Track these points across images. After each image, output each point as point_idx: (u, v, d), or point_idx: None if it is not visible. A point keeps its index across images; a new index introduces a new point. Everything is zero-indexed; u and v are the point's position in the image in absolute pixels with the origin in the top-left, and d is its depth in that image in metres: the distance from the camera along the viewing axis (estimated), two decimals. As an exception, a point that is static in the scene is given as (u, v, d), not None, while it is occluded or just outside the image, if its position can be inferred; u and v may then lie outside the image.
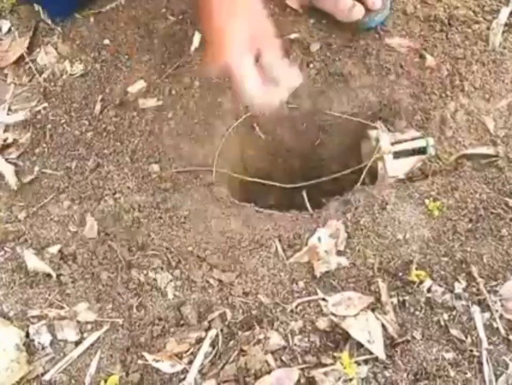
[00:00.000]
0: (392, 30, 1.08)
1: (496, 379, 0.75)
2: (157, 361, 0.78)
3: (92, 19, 1.15)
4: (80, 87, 1.08)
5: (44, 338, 0.82)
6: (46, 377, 0.79)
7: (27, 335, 0.82)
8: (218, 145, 1.03)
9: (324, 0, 1.07)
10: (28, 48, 1.12)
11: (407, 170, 0.98)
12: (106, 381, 0.79)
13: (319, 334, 0.79)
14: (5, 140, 1.03)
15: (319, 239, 0.87)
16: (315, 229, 0.90)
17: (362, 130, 1.05)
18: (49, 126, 1.04)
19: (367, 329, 0.78)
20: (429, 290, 0.81)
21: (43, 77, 1.10)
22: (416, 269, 0.83)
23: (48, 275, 0.87)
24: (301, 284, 0.85)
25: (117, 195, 0.95)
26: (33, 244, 0.91)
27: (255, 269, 0.87)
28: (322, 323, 0.80)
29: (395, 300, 0.81)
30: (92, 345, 0.82)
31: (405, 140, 0.99)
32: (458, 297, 0.81)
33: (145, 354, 0.79)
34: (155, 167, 0.99)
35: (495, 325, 0.79)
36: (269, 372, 0.76)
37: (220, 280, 0.86)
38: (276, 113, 1.05)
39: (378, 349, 0.76)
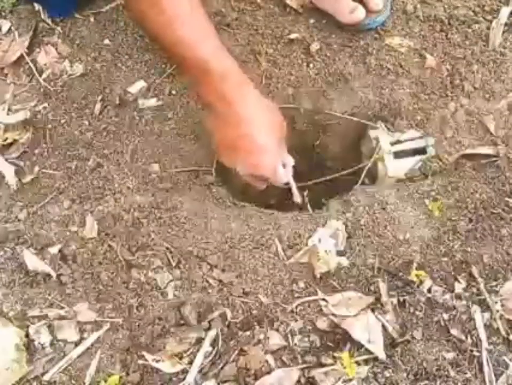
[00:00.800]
0: (392, 30, 1.08)
1: (496, 379, 0.76)
2: (157, 361, 0.78)
3: (92, 19, 1.14)
4: (80, 87, 1.07)
5: (44, 338, 0.82)
6: (46, 377, 0.79)
7: (27, 335, 0.82)
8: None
9: (324, 1, 1.07)
10: (28, 48, 1.12)
11: (407, 170, 0.98)
12: (106, 381, 0.79)
13: (319, 334, 0.79)
14: (5, 140, 1.03)
15: (319, 239, 0.87)
16: (315, 229, 0.90)
17: (362, 130, 1.05)
18: (49, 126, 1.03)
19: (368, 329, 0.78)
20: (429, 290, 0.82)
21: (43, 77, 1.09)
22: (416, 269, 0.83)
23: (48, 275, 0.87)
24: (301, 284, 0.84)
25: (117, 195, 0.95)
26: (34, 244, 0.91)
27: (255, 269, 0.86)
28: (322, 323, 0.80)
29: (395, 300, 0.81)
30: (92, 345, 0.82)
31: (406, 140, 0.99)
32: (458, 297, 0.81)
33: (145, 354, 0.79)
34: (155, 167, 0.99)
35: (495, 325, 0.79)
36: (269, 372, 0.76)
37: (220, 280, 0.86)
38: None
39: (378, 349, 0.76)
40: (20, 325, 0.83)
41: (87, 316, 0.84)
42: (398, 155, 0.99)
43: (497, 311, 0.80)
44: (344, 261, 0.85)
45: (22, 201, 0.96)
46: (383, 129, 1.01)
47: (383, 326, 0.79)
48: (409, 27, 1.08)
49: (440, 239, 0.87)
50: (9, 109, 1.07)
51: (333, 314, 0.80)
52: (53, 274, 0.87)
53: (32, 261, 0.88)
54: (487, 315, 0.80)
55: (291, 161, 0.94)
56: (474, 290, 0.82)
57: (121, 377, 0.79)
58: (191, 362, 0.78)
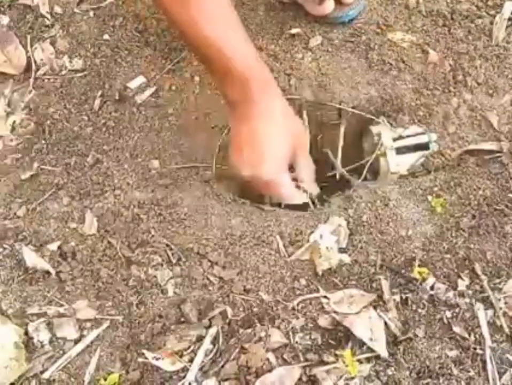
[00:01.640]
0: (394, 24, 1.07)
1: (500, 377, 0.75)
2: (157, 359, 0.78)
3: (91, 14, 1.14)
4: (79, 83, 1.07)
5: (43, 335, 0.82)
6: (45, 375, 0.79)
7: (26, 333, 0.82)
8: (219, 141, 1.02)
9: None
10: (26, 43, 1.11)
11: (409, 166, 0.97)
12: (105, 379, 0.78)
13: (321, 332, 0.79)
14: (3, 136, 1.03)
15: (320, 236, 0.86)
16: (316, 225, 0.89)
17: (364, 126, 1.04)
18: (48, 122, 1.03)
19: (370, 327, 0.77)
20: (432, 287, 0.81)
21: (42, 72, 1.09)
22: (419, 266, 0.83)
23: (48, 272, 0.87)
24: (303, 281, 0.84)
25: (116, 191, 0.95)
26: (33, 241, 0.90)
27: (256, 266, 0.86)
28: (324, 321, 0.79)
29: (397, 297, 0.80)
30: (91, 342, 0.81)
31: (408, 136, 0.99)
32: (461, 294, 0.80)
33: (145, 352, 0.79)
34: (155, 163, 0.98)
35: (498, 323, 0.78)
36: (270, 370, 0.75)
37: (221, 278, 0.85)
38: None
39: (380, 347, 0.76)
40: (19, 323, 0.82)
41: (87, 314, 0.83)
42: (400, 151, 0.98)
43: (501, 308, 0.79)
44: (346, 258, 0.84)
45: (21, 197, 0.96)
46: (385, 125, 1.00)
47: (385, 324, 0.78)
48: (411, 22, 1.07)
49: (442, 235, 0.86)
50: (8, 105, 1.07)
51: (334, 312, 0.80)
52: (52, 271, 0.86)
53: (31, 258, 0.87)
54: (490, 312, 0.79)
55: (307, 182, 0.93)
56: (478, 287, 0.81)
57: (120, 375, 0.78)
58: (191, 360, 0.78)
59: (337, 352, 0.76)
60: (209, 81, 1.04)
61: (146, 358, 0.78)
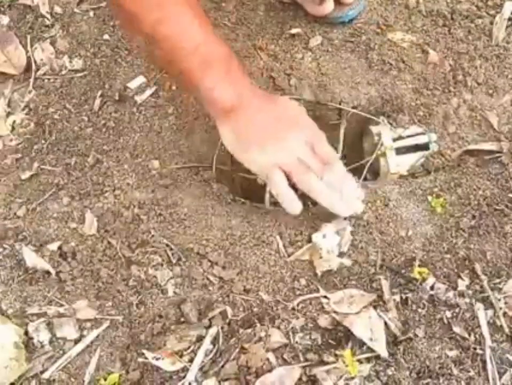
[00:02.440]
0: (394, 24, 1.07)
1: (500, 377, 0.75)
2: (157, 359, 0.78)
3: (91, 14, 1.14)
4: (79, 83, 1.07)
5: (43, 335, 0.82)
6: (45, 375, 0.79)
7: (26, 333, 0.82)
8: (219, 140, 1.02)
9: None
10: (26, 43, 1.11)
11: (409, 166, 0.97)
12: (105, 379, 0.78)
13: (321, 332, 0.79)
14: (3, 136, 1.03)
15: (324, 235, 0.86)
16: (316, 226, 0.89)
17: (364, 126, 1.04)
18: (48, 122, 1.03)
19: (370, 327, 0.77)
20: (432, 288, 0.81)
21: (42, 72, 1.09)
22: (419, 266, 0.83)
23: (48, 272, 0.87)
24: (303, 281, 0.84)
25: (117, 191, 0.95)
26: (33, 241, 0.90)
27: (256, 266, 0.86)
28: (324, 321, 0.79)
29: (397, 297, 0.80)
30: (91, 342, 0.81)
31: (408, 136, 0.99)
32: (462, 294, 0.80)
33: (145, 352, 0.79)
34: (155, 163, 0.98)
35: (498, 323, 0.78)
36: (270, 370, 0.75)
37: (221, 278, 0.85)
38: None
39: (380, 347, 0.76)
40: (19, 323, 0.82)
41: (87, 314, 0.83)
42: (400, 151, 0.98)
43: (501, 308, 0.79)
44: (347, 262, 0.84)
45: (21, 197, 0.96)
46: (385, 125, 1.00)
47: (385, 324, 0.78)
48: (411, 22, 1.07)
49: (442, 236, 0.86)
50: (8, 105, 1.07)
51: (335, 312, 0.80)
52: (52, 271, 0.86)
53: (31, 258, 0.87)
54: (490, 312, 0.79)
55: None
56: (478, 287, 0.81)
57: (120, 375, 0.78)
58: (191, 360, 0.78)
59: (337, 352, 0.76)
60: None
61: (146, 358, 0.78)
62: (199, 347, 0.78)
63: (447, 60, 1.02)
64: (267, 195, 0.95)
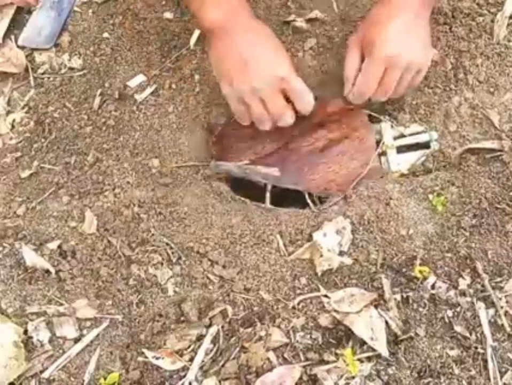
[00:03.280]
0: (395, 23, 1.06)
1: (501, 377, 0.75)
2: (157, 358, 0.78)
3: (90, 12, 1.14)
4: (79, 81, 1.07)
5: (43, 335, 0.81)
6: (45, 374, 0.79)
7: (26, 332, 0.82)
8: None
9: None
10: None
11: (410, 165, 0.97)
12: (105, 378, 0.78)
13: (321, 331, 0.79)
14: (3, 134, 1.03)
15: (324, 234, 0.86)
16: (316, 224, 0.89)
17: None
18: (48, 121, 1.03)
19: (370, 326, 0.77)
20: (433, 286, 0.81)
21: (42, 71, 1.09)
22: (420, 265, 0.83)
23: (47, 271, 0.86)
24: (303, 280, 0.84)
25: (116, 190, 0.94)
26: (32, 240, 0.90)
27: (257, 265, 0.86)
28: (324, 320, 0.79)
29: (398, 296, 0.80)
30: (91, 342, 0.81)
31: (409, 135, 0.98)
32: (463, 293, 0.80)
33: (145, 351, 0.79)
34: (155, 162, 0.98)
35: (499, 322, 0.78)
36: (270, 369, 0.75)
37: (221, 277, 0.85)
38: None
39: (381, 347, 0.76)
40: (19, 322, 0.82)
41: (87, 313, 0.83)
42: (401, 149, 0.98)
43: (502, 307, 0.79)
44: (347, 260, 0.84)
45: (21, 196, 0.96)
46: (386, 123, 1.00)
47: (386, 323, 0.78)
48: (412, 20, 1.07)
49: (443, 234, 0.86)
50: (7, 104, 1.07)
51: (335, 311, 0.79)
52: (52, 270, 0.86)
53: (31, 257, 0.87)
54: (491, 311, 0.79)
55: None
56: (479, 286, 0.81)
57: (120, 375, 0.78)
58: (191, 359, 0.78)
59: (338, 351, 0.76)
60: (208, 79, 1.04)
61: (146, 357, 0.78)
62: (199, 346, 0.78)
63: (448, 58, 1.02)
64: (267, 194, 0.95)
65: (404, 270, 0.83)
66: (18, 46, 1.11)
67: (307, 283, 0.84)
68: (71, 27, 1.13)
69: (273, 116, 0.89)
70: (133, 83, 1.06)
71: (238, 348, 0.77)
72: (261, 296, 0.83)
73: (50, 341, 0.81)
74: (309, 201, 0.95)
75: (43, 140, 1.01)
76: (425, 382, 0.74)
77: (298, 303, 0.81)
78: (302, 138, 0.96)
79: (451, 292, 0.80)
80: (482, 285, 0.81)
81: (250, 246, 0.88)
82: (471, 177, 0.91)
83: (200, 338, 0.79)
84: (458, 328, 0.78)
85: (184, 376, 0.76)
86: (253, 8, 1.09)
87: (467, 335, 0.77)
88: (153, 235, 0.89)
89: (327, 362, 0.75)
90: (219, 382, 0.75)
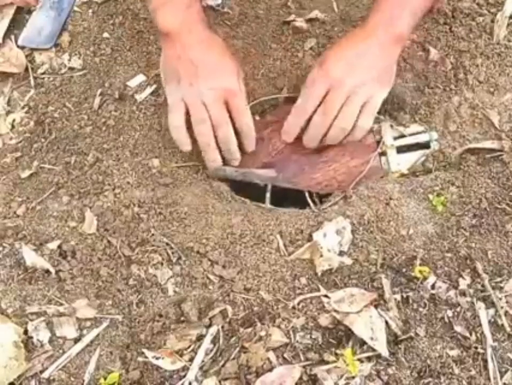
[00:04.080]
0: (395, 23, 1.06)
1: (501, 377, 0.75)
2: (157, 358, 0.77)
3: (90, 12, 1.14)
4: (79, 81, 1.07)
5: (43, 335, 0.81)
6: (45, 374, 0.79)
7: (25, 332, 0.82)
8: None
9: None
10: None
11: (410, 165, 0.97)
12: (105, 378, 0.78)
13: (321, 331, 0.79)
14: (3, 134, 1.03)
15: (324, 234, 0.86)
16: (316, 224, 0.89)
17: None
18: (48, 121, 1.02)
19: (370, 326, 0.77)
20: (433, 286, 0.81)
21: (42, 71, 1.09)
22: (420, 265, 0.83)
23: (47, 271, 0.86)
24: (303, 280, 0.84)
25: (116, 190, 0.94)
26: (32, 240, 0.90)
27: (257, 265, 0.86)
28: (324, 320, 0.79)
29: (398, 296, 0.80)
30: (91, 342, 0.81)
31: (409, 135, 0.98)
32: (463, 293, 0.80)
33: (145, 351, 0.79)
34: (155, 162, 0.98)
35: (500, 322, 0.78)
36: (270, 369, 0.75)
37: (221, 277, 0.85)
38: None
39: (381, 347, 0.75)
40: (19, 322, 0.82)
41: (87, 313, 0.83)
42: (401, 149, 0.98)
43: (502, 307, 0.79)
44: (347, 260, 0.84)
45: (21, 196, 0.95)
46: (386, 123, 1.00)
47: (386, 323, 0.78)
48: (412, 20, 1.07)
49: (443, 234, 0.86)
50: (7, 104, 1.07)
51: (335, 311, 0.79)
52: (52, 270, 0.86)
53: (31, 257, 0.87)
54: (491, 311, 0.79)
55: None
56: (479, 286, 0.81)
57: (120, 375, 0.78)
58: (191, 359, 0.78)
59: (338, 351, 0.76)
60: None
61: (146, 357, 0.78)
62: (199, 346, 0.78)
63: (448, 58, 1.02)
64: (267, 194, 0.95)
65: (404, 270, 0.83)
66: (18, 46, 1.11)
67: (307, 283, 0.83)
68: (71, 27, 1.12)
69: (213, 122, 0.89)
70: (133, 83, 1.06)
71: (238, 348, 0.77)
72: (261, 296, 0.83)
73: (50, 341, 0.81)
74: (309, 201, 0.95)
75: (43, 140, 1.01)
76: (425, 382, 0.74)
77: (298, 303, 0.81)
78: (301, 139, 0.96)
79: (451, 292, 0.80)
80: (482, 285, 0.81)
81: (250, 246, 0.88)
82: (471, 177, 0.91)
83: (200, 338, 0.79)
84: (458, 328, 0.78)
85: (184, 376, 0.76)
86: (253, 8, 1.10)
87: (467, 335, 0.77)
88: (153, 235, 0.89)
89: (327, 362, 0.75)
90: (219, 382, 0.75)
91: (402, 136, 0.99)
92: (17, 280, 0.86)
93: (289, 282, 0.84)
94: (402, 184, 0.93)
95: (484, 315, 0.78)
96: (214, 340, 0.79)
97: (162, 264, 0.86)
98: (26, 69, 1.09)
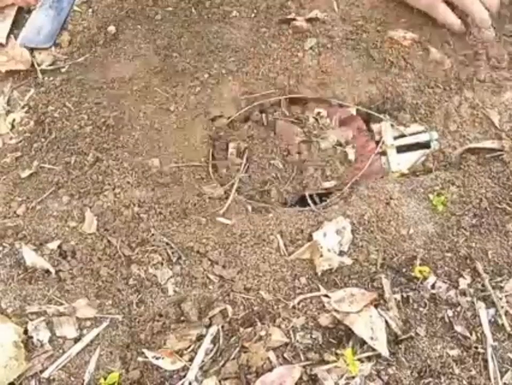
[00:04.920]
0: (395, 22, 1.06)
1: (501, 376, 0.75)
2: (157, 358, 0.77)
3: (91, 10, 1.13)
4: (79, 81, 1.06)
5: (43, 334, 0.81)
6: (45, 374, 0.79)
7: (26, 332, 0.81)
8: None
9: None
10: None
11: (410, 164, 0.97)
12: (105, 378, 0.78)
13: (321, 331, 0.79)
14: (3, 134, 1.03)
15: (324, 234, 0.86)
16: (317, 224, 0.89)
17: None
18: (47, 120, 1.02)
19: (371, 326, 0.77)
20: (433, 286, 0.81)
21: (41, 70, 1.09)
22: (420, 264, 0.83)
23: (47, 271, 0.86)
24: (303, 280, 0.84)
25: (116, 190, 0.94)
26: (32, 240, 0.90)
27: (257, 265, 0.86)
28: (325, 320, 0.79)
29: (398, 296, 0.80)
30: (91, 341, 0.81)
31: (409, 135, 0.98)
32: (463, 293, 0.80)
33: (145, 351, 0.78)
34: (155, 162, 0.98)
35: (500, 321, 0.78)
36: (270, 369, 0.75)
37: (221, 276, 0.85)
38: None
39: (381, 346, 0.75)
40: (19, 322, 0.82)
41: (87, 313, 0.83)
42: (401, 149, 0.98)
43: (502, 307, 0.79)
44: (347, 260, 0.84)
45: (21, 196, 0.95)
46: (386, 123, 0.99)
47: (386, 322, 0.78)
48: (412, 20, 1.07)
49: (444, 234, 0.86)
50: (7, 103, 1.07)
51: (335, 310, 0.79)
52: (52, 270, 0.86)
53: (31, 256, 0.87)
54: (492, 311, 0.79)
55: None
56: (479, 285, 0.81)
57: (120, 374, 0.78)
58: (191, 359, 0.77)
59: (338, 351, 0.76)
60: (209, 78, 1.04)
61: (146, 357, 0.78)
62: (199, 346, 0.78)
63: (448, 57, 1.02)
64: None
65: (404, 270, 0.83)
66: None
67: (307, 282, 0.83)
68: (71, 26, 1.13)
69: None
70: (134, 82, 1.05)
71: (238, 348, 0.77)
72: (261, 296, 0.82)
73: (50, 341, 0.81)
74: (309, 201, 0.95)
75: (43, 140, 1.01)
76: (425, 382, 0.74)
77: (298, 303, 0.81)
78: None
79: (452, 292, 0.80)
80: (483, 285, 0.81)
81: (250, 246, 0.87)
82: (471, 177, 0.91)
83: (200, 338, 0.79)
84: (458, 328, 0.78)
85: (184, 376, 0.76)
86: (252, 8, 1.10)
87: (468, 334, 0.77)
88: (153, 234, 0.89)
89: (328, 362, 0.75)
90: (219, 382, 0.75)
91: (402, 135, 0.99)
92: (17, 280, 0.86)
93: (289, 281, 0.84)
94: (402, 183, 0.93)
95: (484, 314, 0.78)
96: (214, 340, 0.79)
97: (162, 264, 0.86)
98: (33, 64, 1.09)
